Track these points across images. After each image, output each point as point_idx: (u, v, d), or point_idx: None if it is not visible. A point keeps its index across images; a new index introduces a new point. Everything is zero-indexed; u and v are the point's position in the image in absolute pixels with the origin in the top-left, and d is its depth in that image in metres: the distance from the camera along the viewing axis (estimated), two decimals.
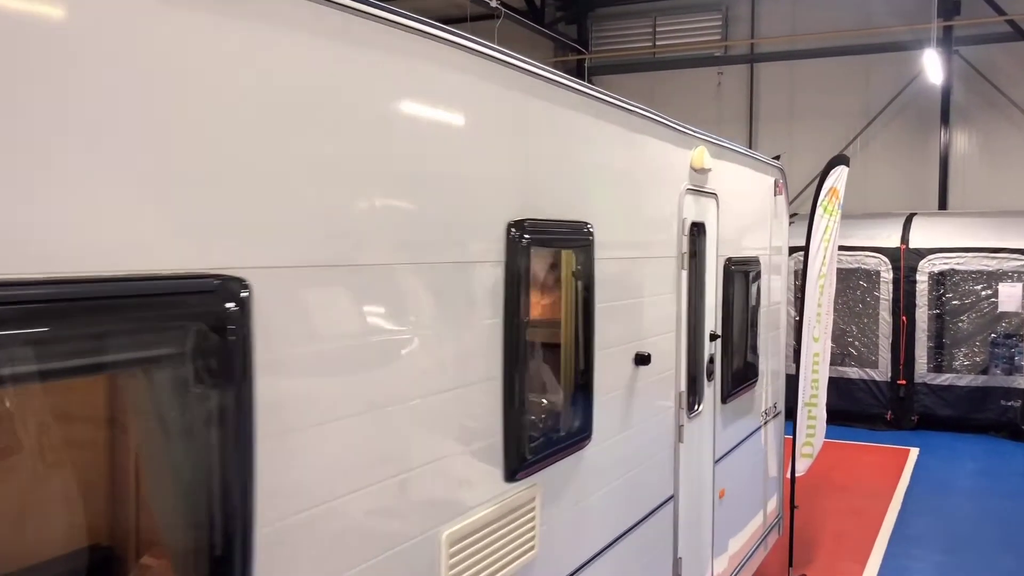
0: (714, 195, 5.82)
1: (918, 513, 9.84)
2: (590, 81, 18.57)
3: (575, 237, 3.95)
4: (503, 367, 3.38)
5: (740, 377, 6.55)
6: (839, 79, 17.26)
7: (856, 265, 14.77)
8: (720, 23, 18.02)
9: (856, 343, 14.66)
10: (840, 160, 8.35)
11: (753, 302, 6.87)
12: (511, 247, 3.39)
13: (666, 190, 5.05)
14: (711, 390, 5.88)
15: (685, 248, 5.27)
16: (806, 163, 17.65)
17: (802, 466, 8.01)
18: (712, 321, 5.86)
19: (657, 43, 18.44)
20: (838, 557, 8.38)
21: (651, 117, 4.76)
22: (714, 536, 5.97)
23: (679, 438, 5.29)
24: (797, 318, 7.91)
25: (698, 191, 5.53)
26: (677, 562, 5.26)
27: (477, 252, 3.23)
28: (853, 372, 14.56)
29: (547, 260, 3.92)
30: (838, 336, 14.63)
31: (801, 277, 7.92)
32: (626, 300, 4.51)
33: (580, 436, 4.03)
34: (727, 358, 6.13)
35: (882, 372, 14.37)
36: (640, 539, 4.75)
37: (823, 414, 8.19)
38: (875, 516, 9.68)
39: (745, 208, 6.57)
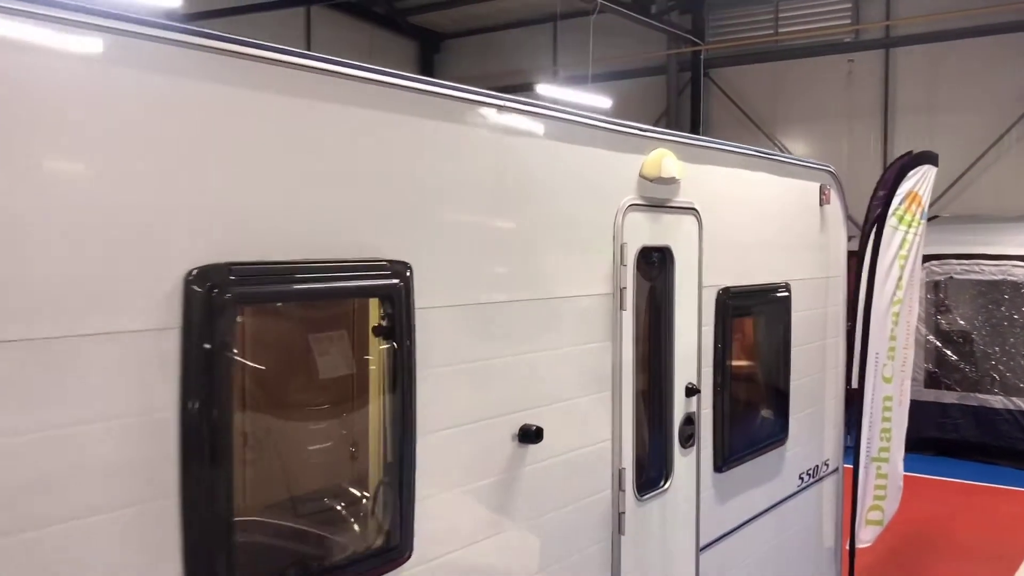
0: (692, 211, 4.55)
1: None
2: (706, 75, 17.13)
3: (365, 282, 2.87)
4: (179, 480, 2.34)
5: (750, 438, 5.23)
6: (990, 63, 15.05)
7: (1002, 276, 12.76)
8: (850, 5, 16.12)
9: (1000, 367, 12.63)
10: (924, 159, 6.81)
11: (779, 340, 5.51)
12: (196, 306, 2.35)
13: (586, 208, 3.87)
14: (690, 459, 4.61)
15: (628, 282, 4.06)
16: (949, 160, 15.56)
17: (868, 534, 6.54)
18: (690, 371, 4.59)
19: (780, 30, 16.71)
20: None
21: (542, 112, 3.60)
22: None
23: (619, 529, 4.08)
24: (861, 349, 6.44)
25: (657, 207, 4.29)
26: None
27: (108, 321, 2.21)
28: (996, 401, 12.55)
29: (289, 318, 2.86)
30: (980, 358, 12.69)
31: (864, 304, 6.44)
32: (488, 359, 3.37)
33: (388, 555, 2.95)
34: (722, 416, 4.83)
35: None
36: None
37: (898, 471, 6.69)
38: None
39: (759, 224, 5.23)
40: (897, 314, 6.58)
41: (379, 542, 2.95)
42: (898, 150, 14.49)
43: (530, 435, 3.51)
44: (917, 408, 12.94)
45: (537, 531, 3.63)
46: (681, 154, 4.44)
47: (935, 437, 12.71)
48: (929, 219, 14.45)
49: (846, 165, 15.44)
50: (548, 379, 3.66)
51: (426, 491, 3.08)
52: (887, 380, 6.56)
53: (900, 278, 6.58)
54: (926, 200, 6.77)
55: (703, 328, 4.68)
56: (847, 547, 6.45)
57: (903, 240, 6.60)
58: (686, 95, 17.50)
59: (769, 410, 5.50)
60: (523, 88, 14.99)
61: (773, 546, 5.53)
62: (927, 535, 9.02)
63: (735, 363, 5.07)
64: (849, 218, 6.65)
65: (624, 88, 17.61)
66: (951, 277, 12.95)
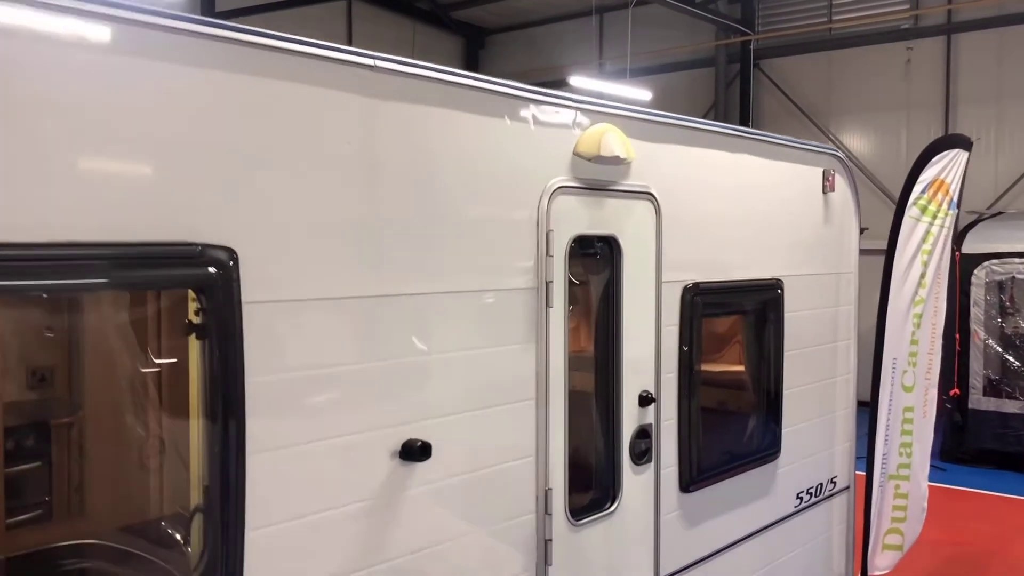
0: (647, 196, 4.00)
1: None
2: (756, 66, 16.37)
3: (151, 272, 2.41)
4: None
5: (728, 453, 4.65)
6: None
7: None
8: None
9: None
10: (953, 142, 6.11)
11: (769, 344, 4.90)
12: None
13: (496, 189, 3.35)
14: (645, 477, 4.05)
15: (555, 276, 3.53)
16: (1016, 153, 14.55)
17: (885, 560, 5.87)
18: (645, 378, 4.04)
19: (834, 18, 15.85)
20: None
21: (434, 77, 3.09)
22: None
23: (545, 559, 3.55)
24: (874, 354, 5.75)
25: (598, 191, 3.75)
26: None
27: None
28: None
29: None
30: None
31: (879, 305, 5.77)
32: (358, 364, 2.88)
33: None
34: (689, 428, 4.26)
35: None
36: None
37: (921, 490, 6.00)
38: None
39: (741, 213, 4.64)
40: (919, 316, 5.89)
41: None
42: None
43: (414, 452, 3.01)
44: (975, 418, 12.12)
45: (433, 562, 3.13)
46: (633, 131, 3.90)
47: (994, 449, 11.82)
48: (994, 215, 13.60)
49: (904, 159, 14.54)
50: (445, 387, 3.16)
51: (263, 518, 2.61)
52: (907, 389, 5.87)
53: (923, 275, 5.89)
54: (955, 188, 6.06)
55: (663, 329, 4.12)
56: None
57: (926, 233, 5.91)
58: (735, 87, 16.74)
59: (756, 421, 4.89)
60: (562, 83, 14.46)
61: (763, 574, 4.92)
62: (982, 556, 8.22)
63: (708, 368, 4.50)
64: None
65: (671, 81, 16.96)
66: (1014, 277, 12.01)
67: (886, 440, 5.77)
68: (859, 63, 15.68)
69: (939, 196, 5.98)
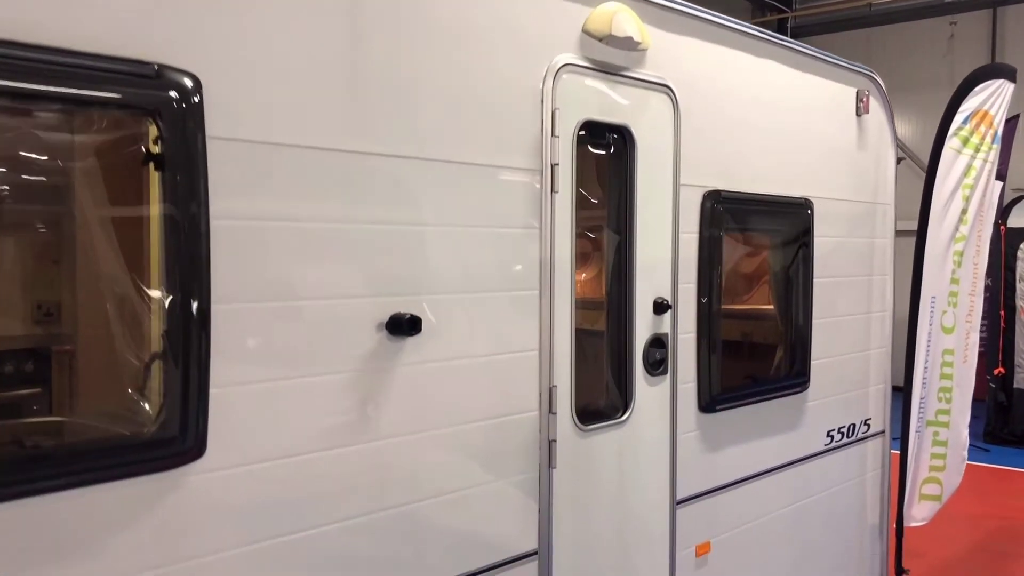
0: (664, 88, 3.74)
1: None
2: None
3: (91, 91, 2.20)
4: None
5: (753, 377, 4.38)
6: None
7: None
8: None
9: None
10: (998, 71, 5.79)
11: (797, 268, 4.62)
12: None
13: (496, 58, 3.11)
14: (660, 390, 3.79)
15: (562, 158, 3.28)
16: None
17: (922, 512, 5.55)
18: (661, 283, 3.78)
19: None
20: None
21: None
22: None
23: (549, 461, 3.31)
24: (912, 291, 5.42)
25: (609, 75, 3.51)
26: None
27: None
28: None
29: None
30: None
31: (917, 239, 5.46)
32: (339, 223, 2.65)
33: (163, 447, 2.27)
34: (709, 344, 4.00)
35: None
36: None
37: (961, 439, 5.67)
38: None
39: (767, 124, 4.36)
40: (960, 253, 5.57)
41: (151, 429, 2.27)
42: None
43: (402, 325, 2.78)
44: (1021, 398, 11.65)
45: (419, 449, 2.90)
46: (650, 17, 3.65)
47: None
48: None
49: None
50: (439, 263, 2.93)
51: (229, 375, 2.39)
52: (947, 331, 5.55)
53: (964, 211, 5.57)
54: (1000, 120, 5.73)
55: (680, 236, 3.86)
56: (895, 526, 5.47)
57: (968, 167, 5.58)
58: None
59: (783, 350, 4.61)
60: None
61: (790, 512, 4.63)
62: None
63: (731, 285, 4.23)
64: None
65: None
66: None
67: (924, 383, 5.45)
68: (899, 39, 15.28)
69: (982, 128, 5.66)
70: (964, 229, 5.57)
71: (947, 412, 5.55)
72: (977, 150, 5.60)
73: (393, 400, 2.80)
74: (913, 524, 5.49)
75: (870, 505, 5.33)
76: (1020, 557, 7.10)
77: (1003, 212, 11.71)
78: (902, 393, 5.42)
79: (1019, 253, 11.68)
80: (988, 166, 5.69)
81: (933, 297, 5.45)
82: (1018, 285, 11.63)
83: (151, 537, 2.26)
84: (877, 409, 5.33)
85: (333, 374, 2.65)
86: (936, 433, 5.53)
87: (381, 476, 2.79)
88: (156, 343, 2.29)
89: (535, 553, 3.28)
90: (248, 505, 2.46)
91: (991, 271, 9.72)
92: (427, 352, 2.89)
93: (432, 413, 2.92)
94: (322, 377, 2.62)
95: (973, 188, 5.60)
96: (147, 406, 2.30)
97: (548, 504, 3.31)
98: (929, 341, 5.44)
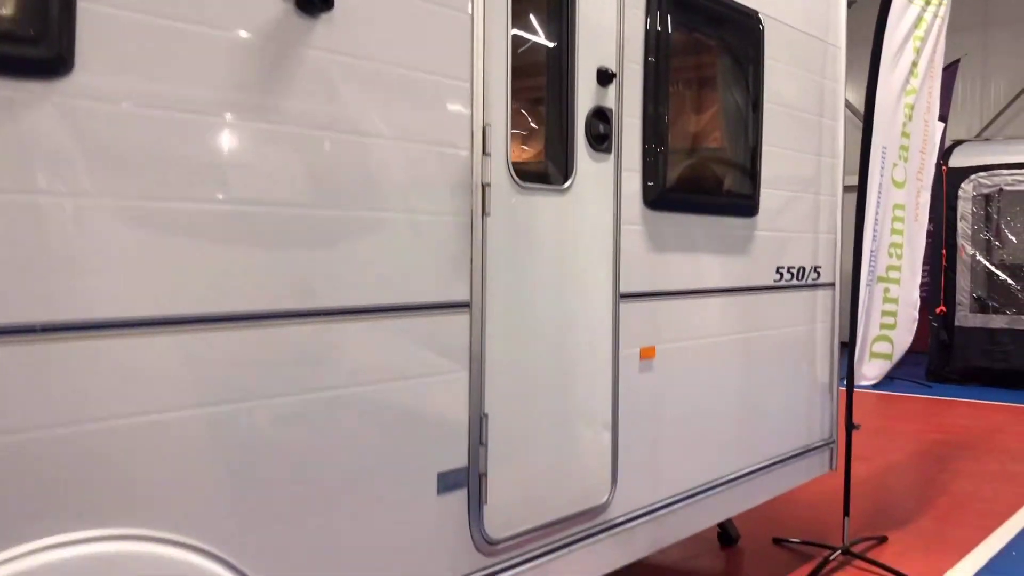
0: None
1: None
2: None
3: None
4: None
5: (699, 185, 4.13)
6: None
7: None
8: None
9: None
10: None
11: (746, 84, 4.39)
12: None
13: None
14: (603, 169, 3.52)
15: None
16: (1007, 80, 14.18)
17: (873, 370, 5.39)
18: (604, 52, 3.51)
19: None
20: (951, 523, 5.57)
21: None
22: (617, 410, 3.59)
23: (483, 207, 3.01)
24: (863, 139, 5.22)
25: None
26: (482, 420, 2.98)
27: None
28: None
29: None
30: None
31: (868, 87, 5.27)
32: None
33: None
34: (655, 132, 3.74)
35: None
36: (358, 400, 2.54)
37: (912, 297, 5.50)
38: None
39: None
40: (911, 107, 5.41)
41: None
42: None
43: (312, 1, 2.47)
44: (963, 335, 11.64)
45: (336, 152, 2.58)
46: None
47: (982, 367, 11.37)
48: (986, 139, 13.18)
49: None
50: None
51: None
52: (898, 185, 5.39)
53: (915, 63, 5.42)
54: None
55: (626, 7, 3.59)
56: (844, 385, 5.27)
57: (918, 19, 5.43)
58: None
59: (732, 169, 4.37)
60: None
61: (739, 341, 4.39)
62: (967, 442, 7.72)
63: (678, 82, 3.98)
64: None
65: None
66: (1001, 189, 11.59)
67: (874, 236, 5.27)
68: None
69: None
70: (915, 82, 5.41)
71: (898, 268, 5.38)
72: (927, 2, 5.45)
73: (299, 85, 2.48)
74: (864, 383, 5.31)
75: (820, 363, 5.12)
76: (957, 459, 6.96)
77: (944, 154, 11.73)
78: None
79: (960, 193, 11.70)
80: (939, 21, 5.55)
81: (884, 147, 5.27)
82: (959, 224, 11.64)
83: None
84: (827, 260, 5.12)
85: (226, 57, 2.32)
86: (887, 290, 5.36)
87: (292, 181, 2.47)
88: None
89: (467, 304, 2.98)
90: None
91: (933, 212, 9.62)
92: (338, 42, 2.57)
93: (346, 113, 2.60)
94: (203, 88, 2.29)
95: (924, 40, 5.44)
96: None
97: (482, 255, 3.01)
98: (880, 193, 5.26)
